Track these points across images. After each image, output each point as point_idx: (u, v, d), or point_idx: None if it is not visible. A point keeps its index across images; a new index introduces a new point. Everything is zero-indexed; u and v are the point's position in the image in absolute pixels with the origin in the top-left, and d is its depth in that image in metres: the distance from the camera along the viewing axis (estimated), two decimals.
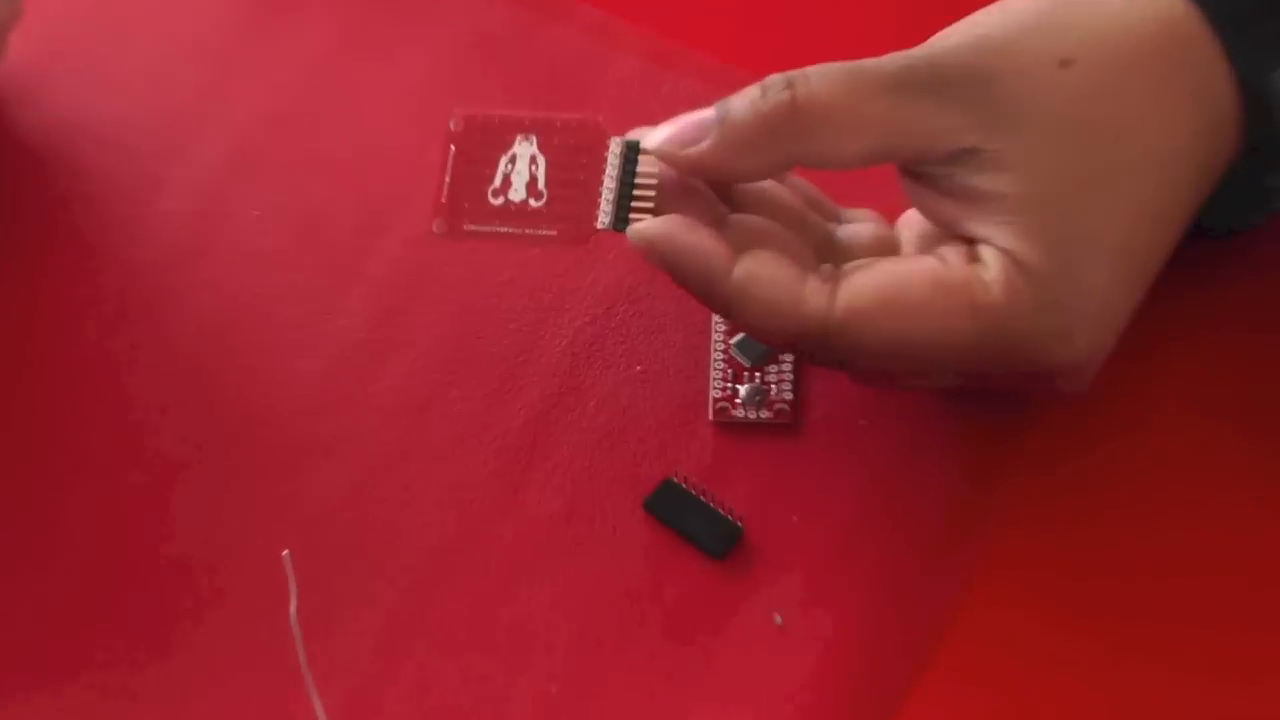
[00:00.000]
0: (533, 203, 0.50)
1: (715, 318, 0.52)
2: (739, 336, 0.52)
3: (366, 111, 0.58)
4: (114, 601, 0.50)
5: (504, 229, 0.50)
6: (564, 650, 0.49)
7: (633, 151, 0.49)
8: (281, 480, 0.52)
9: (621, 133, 0.50)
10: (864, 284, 0.46)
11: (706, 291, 0.47)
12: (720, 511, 0.50)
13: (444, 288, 0.55)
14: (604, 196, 0.49)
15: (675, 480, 0.50)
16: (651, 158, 0.48)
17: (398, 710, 0.48)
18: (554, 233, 0.49)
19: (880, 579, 0.49)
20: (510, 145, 0.50)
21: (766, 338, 0.48)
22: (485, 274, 0.54)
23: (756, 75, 0.49)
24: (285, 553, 0.47)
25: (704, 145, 0.47)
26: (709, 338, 0.52)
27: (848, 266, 0.48)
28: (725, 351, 0.52)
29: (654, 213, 0.48)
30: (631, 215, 0.48)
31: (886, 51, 0.49)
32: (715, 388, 0.51)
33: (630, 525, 0.51)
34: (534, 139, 0.50)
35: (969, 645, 0.49)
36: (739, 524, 0.50)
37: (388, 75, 0.59)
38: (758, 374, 0.52)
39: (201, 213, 0.56)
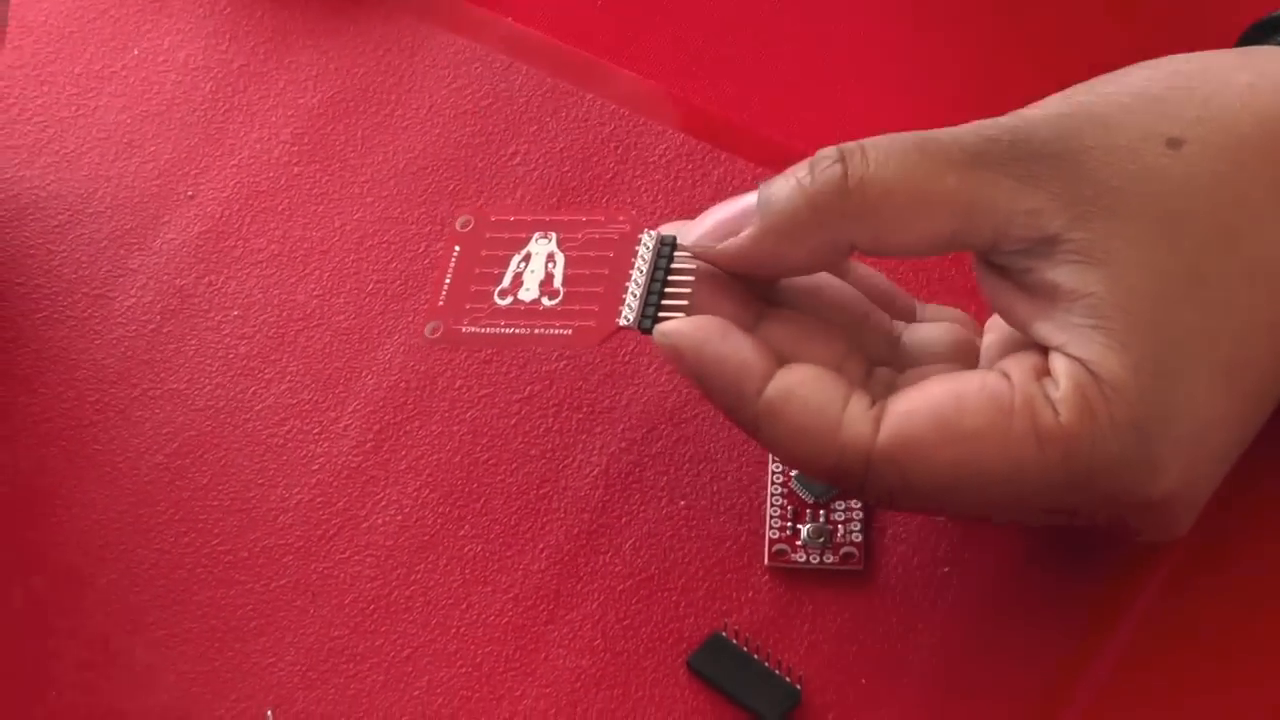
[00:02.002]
0: (546, 301, 0.53)
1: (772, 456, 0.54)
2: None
3: (362, 192, 0.61)
4: None
5: (510, 329, 0.53)
6: None
7: (667, 247, 0.52)
8: (263, 629, 0.54)
9: (658, 225, 0.53)
10: (913, 409, 0.47)
11: (734, 409, 0.48)
12: (776, 672, 0.52)
13: (452, 404, 0.57)
14: (630, 292, 0.52)
15: (724, 635, 0.53)
16: (688, 255, 0.51)
17: None
18: (568, 331, 0.52)
19: None
20: (525, 244, 0.54)
21: (801, 467, 0.50)
22: (502, 389, 0.57)
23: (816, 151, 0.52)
24: (269, 712, 0.51)
25: (743, 236, 0.49)
26: (766, 468, 0.55)
27: (901, 381, 0.50)
28: (785, 484, 0.54)
29: (687, 313, 0.51)
30: (660, 315, 0.51)
31: (958, 123, 0.51)
32: (772, 527, 0.54)
33: (671, 687, 0.53)
34: (554, 236, 0.54)
35: None
36: (798, 686, 0.52)
37: (387, 149, 0.62)
38: (822, 511, 0.54)
39: (167, 311, 0.59)
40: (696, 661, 0.53)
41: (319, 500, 0.56)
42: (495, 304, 0.54)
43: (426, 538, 0.56)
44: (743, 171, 0.63)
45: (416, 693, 0.53)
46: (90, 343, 0.60)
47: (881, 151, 0.48)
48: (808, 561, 0.54)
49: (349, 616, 0.54)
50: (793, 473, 0.55)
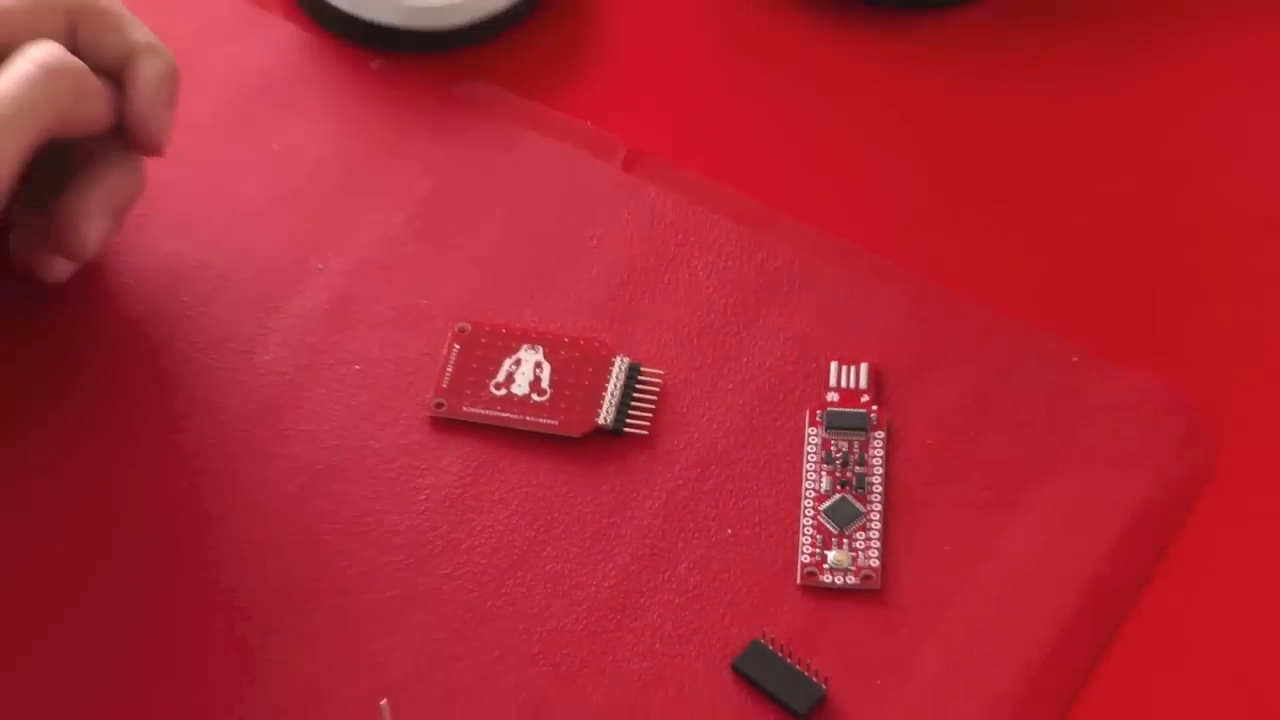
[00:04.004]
0: (535, 397, 0.61)
1: (806, 483, 0.58)
2: (829, 503, 0.58)
3: (462, 267, 0.65)
4: None
5: (505, 414, 0.60)
6: None
7: (635, 370, 0.61)
8: (378, 633, 0.57)
9: (625, 351, 0.62)
10: None
11: None
12: (805, 673, 0.55)
13: (538, 445, 0.60)
14: (607, 401, 0.60)
15: (763, 642, 0.55)
16: (651, 375, 0.60)
17: None
18: (555, 422, 0.60)
19: None
20: (516, 350, 0.62)
21: None
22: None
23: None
24: (383, 702, 0.53)
25: None
26: (799, 503, 0.58)
27: None
28: (815, 517, 0.58)
29: (650, 419, 0.60)
30: (629, 423, 0.60)
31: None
32: (804, 552, 0.57)
33: (718, 684, 0.56)
34: (540, 349, 0.62)
35: None
36: (823, 685, 0.55)
37: (483, 230, 0.67)
38: (846, 539, 0.57)
39: (300, 365, 0.62)
40: (739, 664, 0.55)
41: (425, 525, 0.59)
42: (492, 393, 0.61)
43: (515, 557, 0.58)
44: (784, 254, 0.65)
45: (505, 688, 0.56)
46: (235, 390, 0.62)
47: None
48: (833, 582, 0.57)
49: (449, 623, 0.57)
50: (822, 507, 0.58)
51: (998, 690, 0.56)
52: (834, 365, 0.63)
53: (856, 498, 0.59)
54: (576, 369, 0.62)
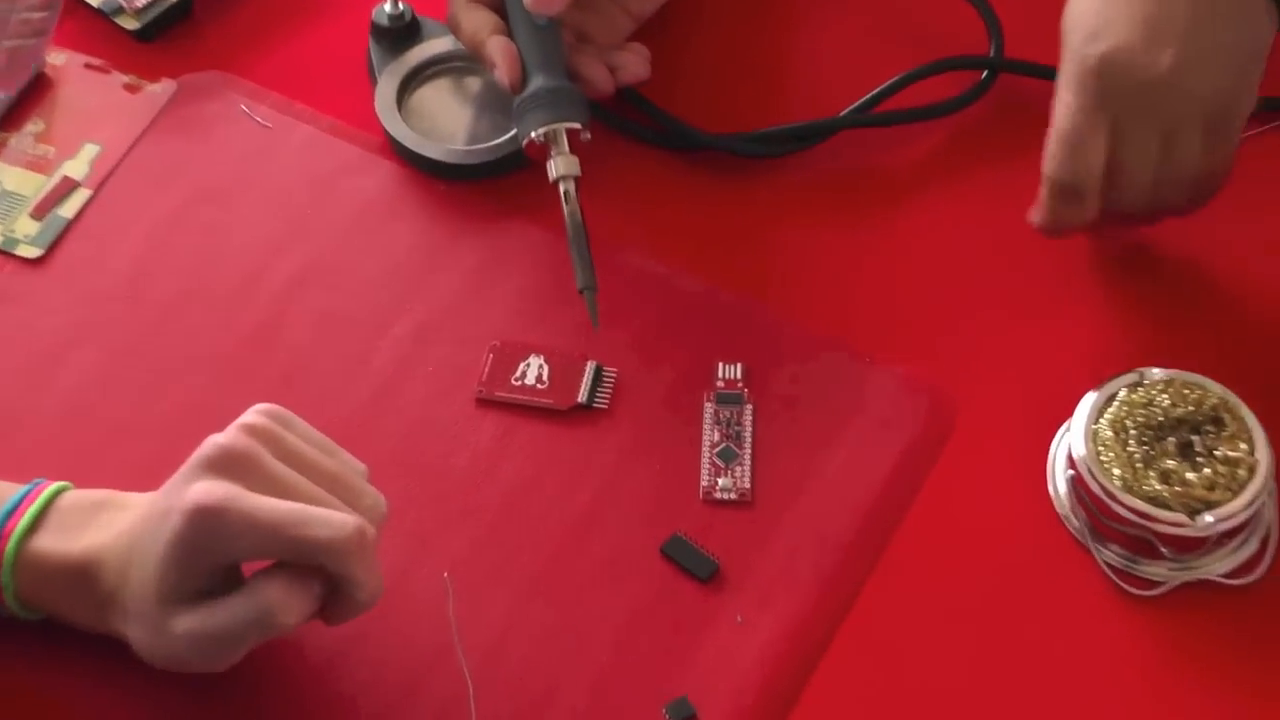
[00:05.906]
0: (539, 386, 0.81)
1: (704, 436, 0.79)
2: (719, 449, 0.79)
3: (493, 306, 0.86)
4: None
5: (521, 399, 0.81)
6: (621, 607, 0.75)
7: (599, 369, 0.81)
8: (443, 527, 0.78)
9: (594, 358, 0.81)
10: None
11: None
12: (705, 553, 0.75)
13: (540, 415, 0.81)
14: (583, 387, 0.81)
15: (680, 535, 0.76)
16: (609, 372, 0.80)
17: (509, 648, 0.74)
18: (550, 401, 0.81)
19: (801, 593, 0.75)
20: (526, 358, 0.83)
21: None
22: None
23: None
24: (445, 574, 0.75)
25: None
26: (700, 448, 0.79)
27: None
28: (711, 458, 0.78)
29: (609, 398, 0.80)
30: (595, 400, 0.81)
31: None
32: (705, 479, 0.78)
33: (651, 563, 0.76)
34: (542, 356, 0.82)
35: (868, 620, 0.74)
36: (716, 561, 0.75)
37: (505, 282, 0.87)
38: (729, 471, 0.77)
39: (395, 367, 0.84)
40: (665, 549, 0.75)
41: (471, 464, 0.78)
42: (512, 384, 0.82)
43: (525, 481, 0.78)
44: (692, 301, 0.85)
45: (520, 557, 0.76)
46: (356, 383, 0.82)
47: None
48: (722, 497, 0.77)
49: (487, 523, 0.77)
50: (715, 451, 0.77)
51: (819, 565, 0.76)
52: (720, 364, 0.83)
53: (735, 445, 0.79)
54: (564, 368, 0.81)
